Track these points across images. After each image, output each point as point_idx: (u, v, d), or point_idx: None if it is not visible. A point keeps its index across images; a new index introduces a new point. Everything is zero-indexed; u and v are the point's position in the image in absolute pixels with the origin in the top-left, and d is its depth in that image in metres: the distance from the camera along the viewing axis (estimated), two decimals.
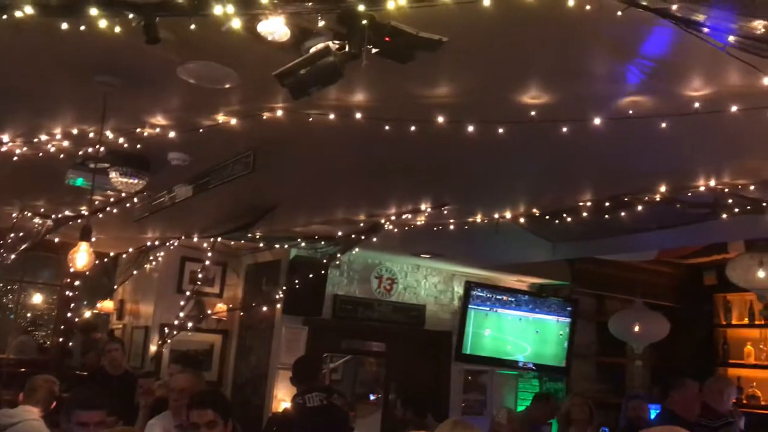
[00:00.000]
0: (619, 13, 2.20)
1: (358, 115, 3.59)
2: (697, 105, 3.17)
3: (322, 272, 7.38)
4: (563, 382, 9.09)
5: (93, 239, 3.92)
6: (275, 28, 2.64)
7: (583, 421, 5.18)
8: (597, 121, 3.40)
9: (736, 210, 4.69)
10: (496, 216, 5.69)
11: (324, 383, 5.17)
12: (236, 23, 2.58)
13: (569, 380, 9.03)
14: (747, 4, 2.17)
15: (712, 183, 4.45)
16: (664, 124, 3.31)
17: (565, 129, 3.48)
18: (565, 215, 5.28)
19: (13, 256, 7.09)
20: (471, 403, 8.63)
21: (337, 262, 7.63)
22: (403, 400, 5.73)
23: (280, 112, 3.67)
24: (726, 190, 4.48)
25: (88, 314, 8.91)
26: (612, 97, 3.25)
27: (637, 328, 8.01)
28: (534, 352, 8.79)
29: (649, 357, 9.30)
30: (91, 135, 4.20)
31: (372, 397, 9.87)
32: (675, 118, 3.28)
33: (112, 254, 8.51)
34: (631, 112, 3.32)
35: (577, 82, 3.12)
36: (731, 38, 2.19)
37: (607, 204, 4.99)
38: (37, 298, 9.60)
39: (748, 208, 4.61)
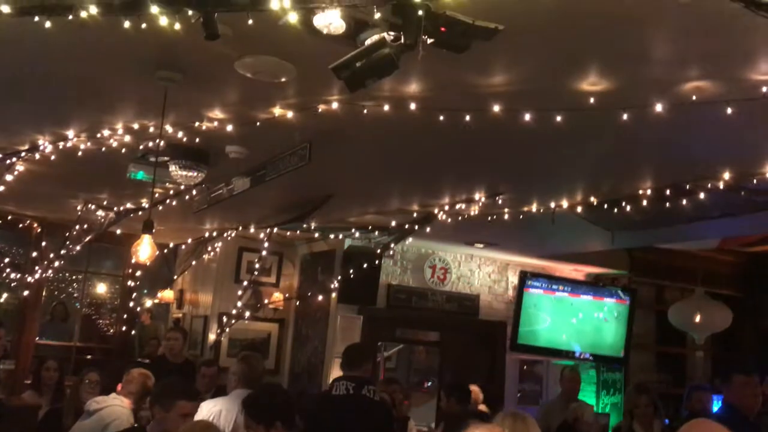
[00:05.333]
0: None
1: (413, 106, 3.59)
2: (765, 89, 3.06)
3: (376, 262, 7.42)
4: (621, 373, 8.94)
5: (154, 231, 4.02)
6: (331, 20, 2.65)
7: (649, 416, 5.06)
8: (659, 107, 3.31)
9: None
10: (553, 205, 5.61)
11: (368, 373, 5.06)
12: (293, 17, 2.59)
13: (628, 370, 8.87)
14: None
15: None
16: (729, 110, 3.20)
17: (625, 116, 3.40)
18: (624, 203, 5.17)
19: (78, 247, 7.32)
20: (527, 393, 8.57)
21: (391, 252, 7.65)
22: (453, 394, 5.55)
23: (335, 104, 3.69)
24: None
25: (149, 303, 9.15)
26: (674, 83, 3.16)
27: (698, 318, 7.82)
28: (591, 343, 8.65)
29: (711, 347, 9.07)
30: (152, 129, 4.30)
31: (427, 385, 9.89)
32: (741, 103, 3.17)
33: (171, 245, 8.72)
34: (694, 97, 3.22)
35: (637, 67, 3.04)
36: None
37: (667, 192, 4.87)
38: (101, 288, 9.91)
39: None
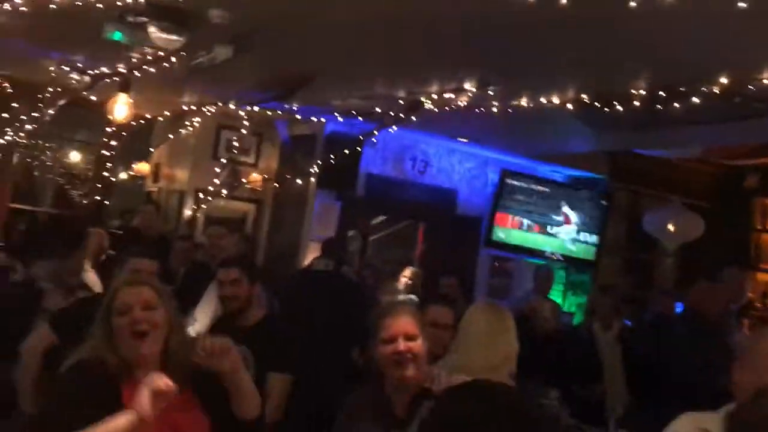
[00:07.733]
0: None
1: None
2: None
3: (357, 149, 7.31)
4: (589, 275, 9.11)
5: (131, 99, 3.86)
6: None
7: (609, 316, 5.20)
8: None
9: None
10: (543, 100, 5.49)
11: (344, 257, 5.21)
12: None
13: (596, 273, 9.04)
14: None
15: None
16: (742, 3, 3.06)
17: (633, 3, 3.24)
18: (615, 103, 5.06)
19: (51, 111, 7.08)
20: (496, 286, 8.73)
21: (373, 140, 7.53)
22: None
23: None
24: None
25: (124, 175, 9.01)
26: None
27: (671, 227, 7.92)
28: (563, 243, 8.76)
29: (681, 255, 9.23)
30: None
31: None
32: None
33: (148, 116, 8.48)
34: None
35: None
36: None
37: (661, 93, 4.76)
38: (75, 156, 9.70)
39: None
